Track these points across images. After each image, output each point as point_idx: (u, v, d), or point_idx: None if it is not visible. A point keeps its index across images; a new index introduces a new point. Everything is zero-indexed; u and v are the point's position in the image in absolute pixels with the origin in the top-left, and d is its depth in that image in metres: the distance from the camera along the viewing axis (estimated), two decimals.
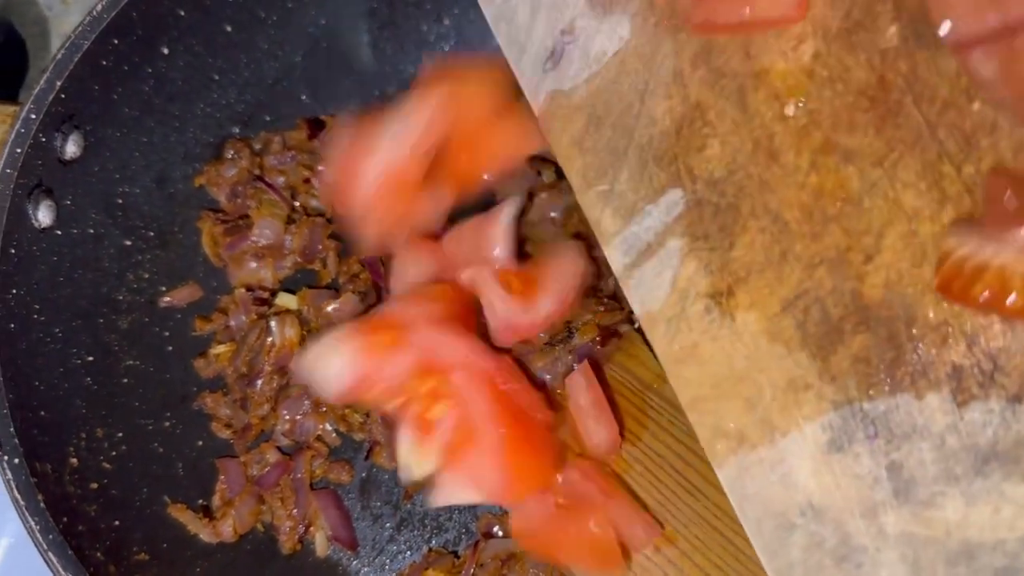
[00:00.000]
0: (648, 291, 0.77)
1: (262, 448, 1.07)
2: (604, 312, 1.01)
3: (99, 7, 0.99)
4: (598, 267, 1.08)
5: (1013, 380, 0.57)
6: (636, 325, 1.02)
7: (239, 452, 1.08)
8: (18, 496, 0.85)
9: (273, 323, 1.07)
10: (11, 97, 1.07)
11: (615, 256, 0.80)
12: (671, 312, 0.76)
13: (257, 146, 1.15)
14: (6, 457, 0.85)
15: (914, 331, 0.61)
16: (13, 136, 0.94)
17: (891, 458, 0.62)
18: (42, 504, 0.85)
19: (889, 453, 0.62)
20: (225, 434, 1.08)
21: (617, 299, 1.05)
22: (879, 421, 0.63)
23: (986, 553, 0.58)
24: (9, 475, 0.85)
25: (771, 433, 0.68)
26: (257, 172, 1.13)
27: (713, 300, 0.73)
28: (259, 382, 1.06)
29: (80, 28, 0.98)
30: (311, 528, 1.07)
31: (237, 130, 1.16)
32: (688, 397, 0.75)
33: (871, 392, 0.64)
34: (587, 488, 0.92)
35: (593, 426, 0.93)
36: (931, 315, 0.61)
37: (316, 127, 1.18)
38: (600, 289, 1.06)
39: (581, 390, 0.94)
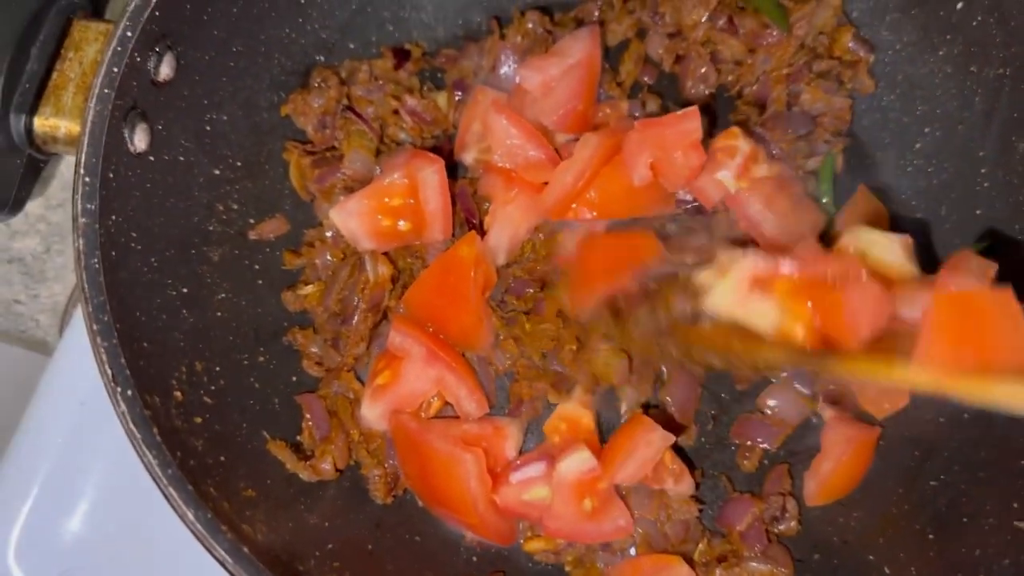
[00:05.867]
0: None
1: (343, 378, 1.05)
2: None
3: None
4: None
5: None
6: None
7: (321, 388, 1.05)
8: (133, 429, 0.81)
9: (367, 260, 1.04)
10: (97, 14, 1.01)
11: None
12: None
13: (343, 74, 1.11)
14: (119, 389, 0.82)
15: None
16: (110, 55, 0.88)
17: None
18: (157, 437, 0.82)
19: None
20: (316, 371, 1.05)
21: None
22: None
23: None
24: (123, 407, 0.81)
25: None
26: (345, 102, 1.09)
27: None
28: (355, 319, 1.03)
29: None
30: (400, 479, 1.04)
31: (322, 58, 1.11)
32: None
33: None
34: None
35: None
36: None
37: (401, 57, 1.13)
38: None
39: None
